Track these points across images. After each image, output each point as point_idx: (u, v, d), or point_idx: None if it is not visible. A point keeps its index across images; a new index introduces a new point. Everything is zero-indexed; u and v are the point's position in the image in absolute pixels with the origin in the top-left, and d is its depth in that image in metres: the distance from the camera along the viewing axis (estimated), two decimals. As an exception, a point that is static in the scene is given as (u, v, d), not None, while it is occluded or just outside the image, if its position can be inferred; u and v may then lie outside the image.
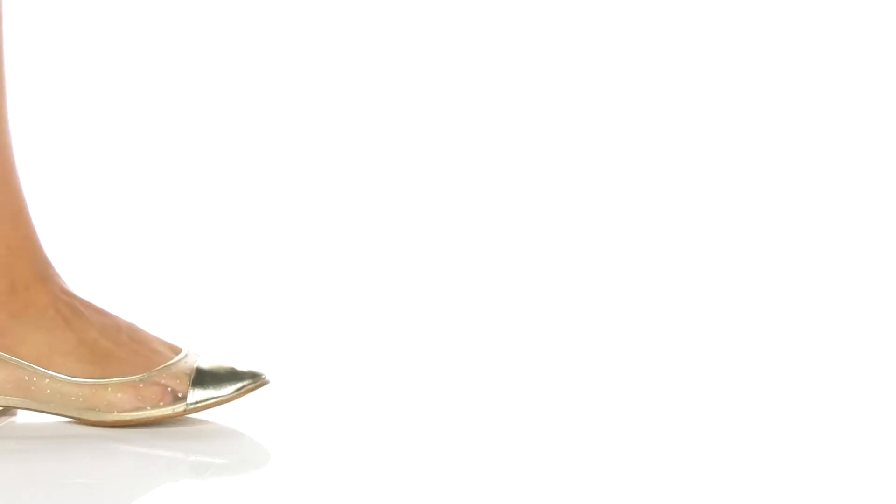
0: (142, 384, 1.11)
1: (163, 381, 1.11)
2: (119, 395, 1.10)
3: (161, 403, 1.11)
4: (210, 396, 1.12)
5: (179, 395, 1.11)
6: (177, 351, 1.14)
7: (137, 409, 1.11)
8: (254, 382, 1.13)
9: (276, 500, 1.01)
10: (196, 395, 1.11)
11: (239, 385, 1.12)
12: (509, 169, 2.08)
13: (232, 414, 1.16)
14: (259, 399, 1.17)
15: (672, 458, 1.09)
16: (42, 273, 1.13)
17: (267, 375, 1.14)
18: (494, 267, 1.88)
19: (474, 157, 2.12)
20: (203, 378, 1.12)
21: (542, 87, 2.15)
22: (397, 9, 2.15)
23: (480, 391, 1.30)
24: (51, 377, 1.11)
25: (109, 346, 1.12)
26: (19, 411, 1.15)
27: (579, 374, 1.37)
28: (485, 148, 2.12)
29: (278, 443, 1.14)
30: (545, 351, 1.47)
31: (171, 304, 1.65)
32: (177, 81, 2.11)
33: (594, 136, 2.13)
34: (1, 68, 1.11)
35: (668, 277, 1.84)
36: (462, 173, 2.10)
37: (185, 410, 1.11)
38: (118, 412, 1.11)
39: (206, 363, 1.13)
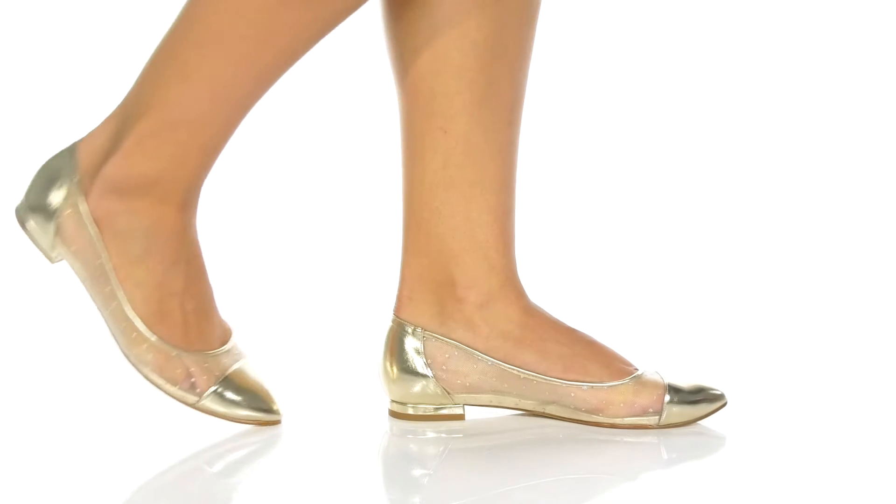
0: (175, 357, 1.10)
1: (191, 368, 1.11)
2: (150, 356, 1.10)
3: (178, 385, 1.11)
4: (218, 410, 1.11)
5: (198, 389, 1.11)
6: (224, 340, 1.13)
7: (157, 374, 1.11)
8: (266, 416, 1.13)
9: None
10: (209, 400, 1.11)
11: (249, 413, 1.12)
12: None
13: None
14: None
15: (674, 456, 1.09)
16: None
17: (280, 416, 1.13)
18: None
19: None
20: (226, 388, 1.11)
21: (542, 87, 2.15)
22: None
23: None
24: (119, 301, 1.10)
25: (173, 307, 1.11)
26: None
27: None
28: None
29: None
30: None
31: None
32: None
33: (592, 134, 2.13)
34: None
35: (669, 275, 1.84)
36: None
37: (193, 405, 1.10)
38: (141, 365, 1.11)
39: (237, 375, 1.12)
